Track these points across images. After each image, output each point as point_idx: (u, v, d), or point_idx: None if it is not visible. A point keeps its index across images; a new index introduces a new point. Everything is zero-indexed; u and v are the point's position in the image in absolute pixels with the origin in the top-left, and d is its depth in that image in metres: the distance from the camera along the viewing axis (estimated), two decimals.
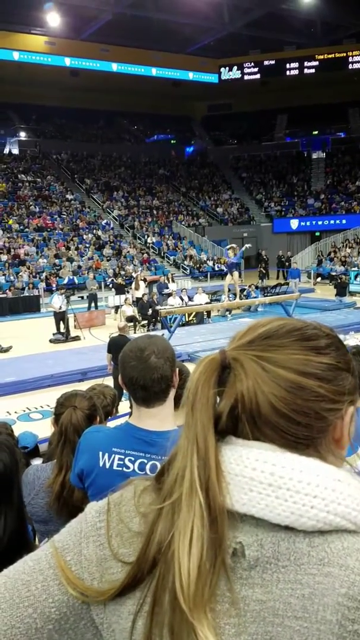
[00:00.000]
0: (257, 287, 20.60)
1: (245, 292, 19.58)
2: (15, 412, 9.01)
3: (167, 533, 0.66)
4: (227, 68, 35.42)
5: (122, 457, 1.57)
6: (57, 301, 14.99)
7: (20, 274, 21.91)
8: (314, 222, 31.98)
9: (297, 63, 34.28)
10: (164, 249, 28.05)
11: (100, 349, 10.96)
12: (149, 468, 1.54)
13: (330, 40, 32.77)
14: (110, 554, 0.70)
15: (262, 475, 0.64)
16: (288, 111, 38.20)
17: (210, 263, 27.11)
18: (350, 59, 33.33)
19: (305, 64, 34.13)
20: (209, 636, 0.60)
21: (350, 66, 33.38)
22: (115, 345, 8.55)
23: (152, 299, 17.04)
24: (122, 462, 1.57)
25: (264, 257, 25.84)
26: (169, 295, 18.09)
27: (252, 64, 35.05)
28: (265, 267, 25.01)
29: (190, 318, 16.41)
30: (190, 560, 0.62)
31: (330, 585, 0.61)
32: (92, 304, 18.59)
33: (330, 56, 33.57)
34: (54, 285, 20.75)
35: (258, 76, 35.27)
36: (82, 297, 20.46)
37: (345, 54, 33.36)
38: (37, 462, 2.92)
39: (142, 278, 19.02)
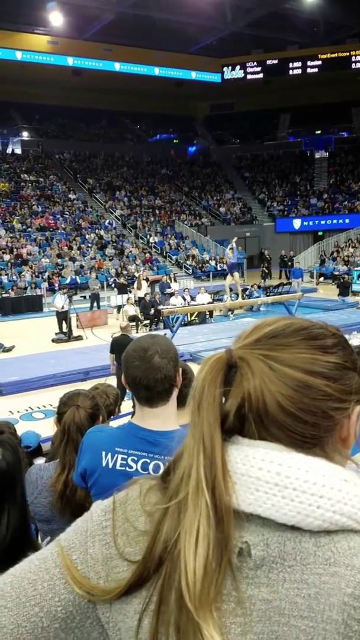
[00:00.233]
0: (259, 287, 20.58)
1: (247, 292, 19.59)
2: (18, 412, 9.02)
3: (173, 532, 0.66)
4: (230, 67, 35.40)
5: (125, 456, 1.58)
6: (60, 301, 15.00)
7: (22, 273, 21.95)
8: (316, 222, 31.94)
9: (300, 62, 34.24)
10: (167, 249, 28.05)
11: (102, 348, 10.97)
12: (152, 468, 1.54)
13: (333, 39, 32.72)
14: (116, 553, 0.70)
15: (268, 475, 0.64)
16: (291, 111, 38.16)
17: (213, 263, 27.10)
18: (353, 59, 33.28)
19: (308, 63, 34.08)
20: (214, 636, 0.60)
21: (353, 66, 33.33)
22: (118, 345, 8.55)
23: (154, 298, 17.05)
24: (125, 462, 1.57)
25: (267, 256, 25.82)
26: (171, 295, 18.09)
27: (255, 63, 35.02)
28: (268, 266, 25.00)
29: (193, 318, 16.41)
30: (197, 559, 0.62)
31: (337, 585, 0.61)
32: (95, 304, 18.60)
33: (333, 56, 33.51)
34: (56, 285, 20.76)
35: (261, 76, 35.24)
36: (84, 297, 20.47)
37: (348, 54, 33.30)
38: (40, 461, 2.93)
39: (145, 278, 19.04)
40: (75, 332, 15.03)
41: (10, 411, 9.02)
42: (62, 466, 2.02)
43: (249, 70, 35.24)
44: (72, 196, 30.73)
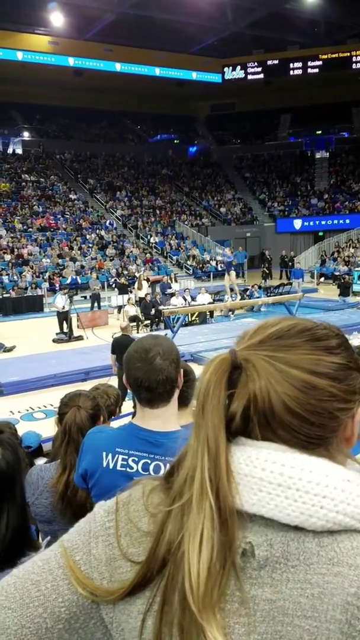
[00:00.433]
0: (260, 287, 20.58)
1: (248, 292, 19.60)
2: (19, 412, 9.02)
3: (176, 533, 0.66)
4: (231, 68, 35.40)
5: (126, 457, 1.58)
6: (60, 301, 15.00)
7: (23, 273, 21.96)
8: (317, 222, 31.94)
9: (300, 63, 34.24)
10: (167, 249, 28.06)
11: (103, 348, 10.97)
12: (152, 468, 1.54)
13: (333, 40, 32.72)
14: (120, 554, 0.71)
15: (271, 476, 0.64)
16: (291, 111, 38.16)
17: (213, 263, 27.11)
18: (353, 59, 33.28)
19: (309, 63, 34.09)
20: (217, 637, 0.60)
21: (353, 66, 33.34)
22: (119, 346, 8.55)
23: (155, 298, 17.06)
24: (125, 463, 1.57)
25: (268, 257, 25.82)
26: (172, 295, 18.10)
27: (256, 63, 35.03)
28: (269, 267, 24.99)
29: (193, 318, 16.41)
30: (200, 561, 0.63)
31: (340, 585, 0.61)
32: (95, 304, 18.62)
33: (333, 56, 33.52)
34: (57, 285, 20.78)
35: (262, 76, 35.25)
36: (85, 297, 20.48)
37: (348, 54, 33.31)
38: (41, 461, 2.93)
39: (145, 278, 19.05)
40: (76, 332, 15.04)
41: (11, 411, 9.02)
42: (63, 467, 2.02)
43: (249, 70, 35.25)
44: (72, 196, 30.75)
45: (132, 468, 1.56)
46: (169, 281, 20.26)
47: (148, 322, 16.11)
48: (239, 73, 35.45)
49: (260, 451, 0.67)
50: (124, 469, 1.57)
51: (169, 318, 13.15)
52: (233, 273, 16.02)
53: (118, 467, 1.58)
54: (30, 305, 20.03)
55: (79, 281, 22.31)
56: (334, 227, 30.88)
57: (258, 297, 17.98)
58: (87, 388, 2.69)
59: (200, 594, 0.62)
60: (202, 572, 0.62)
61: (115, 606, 0.70)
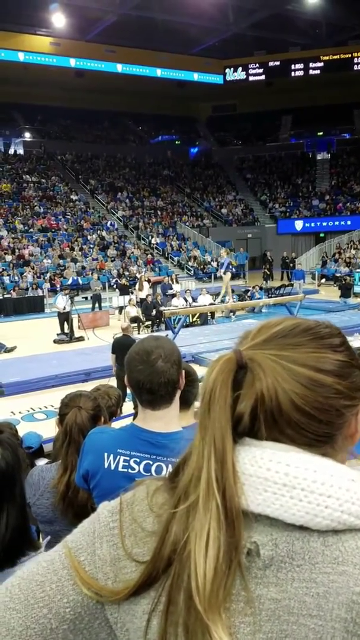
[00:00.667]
0: (261, 288, 20.58)
1: (249, 293, 19.60)
2: (20, 412, 9.03)
3: (182, 533, 0.66)
4: (232, 69, 35.43)
5: (128, 458, 1.58)
6: (61, 302, 15.01)
7: (24, 274, 21.98)
8: (318, 223, 31.94)
9: (302, 64, 34.25)
10: (168, 250, 28.07)
11: (104, 349, 10.97)
12: (154, 469, 1.54)
13: (335, 41, 32.73)
14: (124, 554, 0.71)
15: (276, 476, 0.65)
16: (293, 112, 38.17)
17: (215, 264, 27.11)
18: (355, 60, 33.28)
19: (310, 65, 34.10)
20: (223, 637, 0.61)
21: (355, 67, 33.33)
22: (120, 346, 8.55)
23: (156, 299, 17.06)
24: (127, 464, 1.57)
25: (269, 258, 25.81)
26: (173, 296, 18.10)
27: (257, 65, 35.05)
28: (270, 268, 25.00)
29: (194, 319, 16.41)
30: (207, 561, 0.63)
31: (345, 584, 0.61)
32: (96, 305, 18.63)
33: (335, 57, 33.53)
34: (58, 286, 20.79)
35: (263, 77, 35.26)
36: (86, 298, 20.50)
37: (350, 55, 33.31)
38: (42, 462, 2.93)
39: (146, 279, 19.06)
40: (77, 333, 15.04)
41: (12, 412, 9.02)
42: (64, 467, 2.02)
43: (251, 71, 35.27)
44: (74, 197, 30.77)
45: (133, 469, 1.56)
46: (170, 282, 20.26)
47: (149, 323, 16.11)
48: (240, 74, 35.48)
49: (265, 451, 0.67)
50: (125, 470, 1.57)
51: (170, 319, 13.16)
52: (228, 275, 15.95)
53: (120, 468, 1.58)
54: (31, 306, 20.04)
55: (80, 282, 22.32)
56: (335, 228, 30.88)
57: (259, 298, 17.99)
58: (88, 389, 2.69)
59: (206, 594, 0.62)
60: (209, 573, 0.62)
61: (120, 606, 0.70)
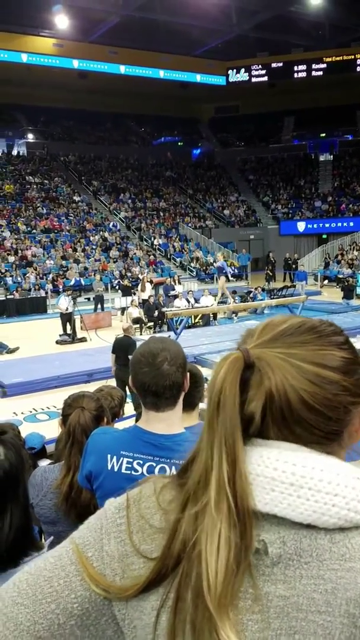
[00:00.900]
0: (263, 290, 20.57)
1: (251, 295, 19.59)
2: (22, 413, 9.03)
3: (191, 532, 0.67)
4: (235, 70, 35.43)
5: (131, 460, 1.58)
6: (64, 302, 15.02)
7: (27, 275, 22.00)
8: (321, 225, 31.90)
9: (304, 65, 34.23)
10: (171, 251, 28.08)
11: (106, 350, 10.97)
12: (157, 471, 1.54)
13: (338, 42, 32.70)
14: (132, 550, 0.71)
15: (283, 475, 0.65)
16: (295, 113, 38.16)
17: (216, 264, 27.11)
18: (358, 62, 33.23)
19: (313, 66, 34.08)
20: (230, 636, 0.61)
21: (358, 69, 33.28)
22: (120, 346, 8.56)
23: (158, 300, 17.06)
24: (130, 466, 1.57)
25: (271, 259, 25.79)
26: (175, 297, 18.10)
27: (260, 66, 35.04)
28: (272, 269, 24.97)
29: (197, 320, 16.41)
30: (218, 562, 0.63)
31: (353, 580, 0.62)
32: (99, 306, 18.64)
33: (338, 59, 33.50)
34: (60, 287, 20.81)
35: (265, 78, 35.26)
36: (88, 299, 20.51)
37: (353, 57, 33.29)
38: (44, 463, 2.93)
39: (149, 280, 19.06)
40: (80, 334, 15.05)
41: (15, 412, 9.03)
42: (67, 468, 2.02)
43: (253, 73, 35.26)
44: (76, 198, 30.81)
45: (137, 471, 1.56)
46: (172, 283, 20.26)
47: (151, 324, 16.11)
48: (243, 75, 35.48)
49: (272, 451, 0.67)
50: (128, 471, 1.57)
51: (172, 320, 13.16)
52: (223, 278, 15.88)
53: (123, 470, 1.58)
54: (34, 307, 20.06)
55: (83, 283, 22.34)
56: (338, 229, 30.84)
57: (261, 300, 17.98)
58: (90, 389, 2.70)
59: (217, 594, 0.62)
60: (220, 573, 0.63)
61: (128, 603, 0.70)
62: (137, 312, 16.33)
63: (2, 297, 20.39)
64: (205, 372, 2.52)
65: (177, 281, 20.81)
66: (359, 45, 32.72)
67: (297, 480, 0.65)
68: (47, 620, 0.69)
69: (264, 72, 35.09)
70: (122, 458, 1.59)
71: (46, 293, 21.05)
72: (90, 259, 24.78)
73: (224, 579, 0.63)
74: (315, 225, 32.03)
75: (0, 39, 27.95)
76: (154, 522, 0.72)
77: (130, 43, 30.89)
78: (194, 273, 26.19)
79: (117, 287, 21.36)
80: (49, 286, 21.51)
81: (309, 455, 0.67)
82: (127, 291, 18.95)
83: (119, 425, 2.59)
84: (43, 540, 2.20)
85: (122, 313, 17.74)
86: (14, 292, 20.54)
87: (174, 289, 19.38)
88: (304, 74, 34.44)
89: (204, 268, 26.63)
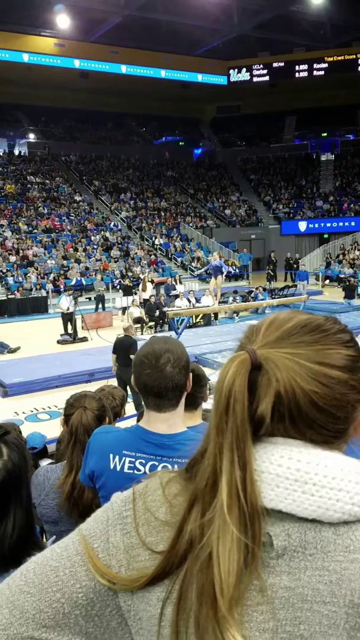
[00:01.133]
0: (264, 289, 20.56)
1: (252, 294, 19.58)
2: (23, 413, 9.04)
3: (198, 530, 0.67)
4: (236, 70, 35.39)
5: (133, 459, 1.58)
6: (65, 302, 15.04)
7: (28, 275, 22.01)
8: (322, 224, 31.88)
9: (306, 65, 34.17)
10: (172, 251, 28.08)
11: (107, 350, 10.97)
12: None
13: (339, 42, 32.65)
14: (138, 542, 0.72)
15: (288, 472, 0.66)
16: (297, 113, 38.14)
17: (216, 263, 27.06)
18: (359, 61, 33.21)
19: (315, 66, 34.02)
20: (236, 636, 0.62)
21: (359, 68, 33.26)
22: (121, 346, 8.57)
23: (159, 300, 17.06)
24: (132, 465, 1.58)
25: (273, 259, 25.79)
26: (176, 296, 18.10)
27: (261, 66, 35.00)
28: (273, 269, 24.96)
29: (198, 320, 16.40)
30: (230, 565, 0.64)
31: (357, 571, 0.64)
32: (100, 305, 18.65)
33: (339, 58, 33.45)
34: (61, 287, 20.81)
35: (267, 78, 35.21)
36: (89, 299, 20.52)
37: (354, 56, 33.22)
38: (45, 462, 2.93)
39: (150, 279, 19.06)
40: (81, 334, 15.06)
41: (16, 412, 9.04)
42: (69, 467, 2.03)
43: (255, 72, 35.21)
44: (77, 198, 30.81)
45: (139, 470, 1.56)
46: (174, 283, 20.26)
47: (152, 323, 16.11)
48: (244, 75, 35.44)
49: (276, 447, 0.68)
50: (131, 471, 1.57)
51: (174, 320, 13.16)
52: (220, 278, 15.77)
53: (125, 470, 1.58)
54: (35, 307, 20.08)
55: (84, 282, 22.35)
56: (339, 229, 30.82)
57: (263, 299, 17.97)
58: (91, 389, 2.70)
59: (229, 596, 0.63)
60: (232, 576, 0.63)
61: (133, 594, 0.71)
62: (138, 311, 16.33)
63: (3, 297, 20.41)
64: (207, 372, 2.51)
65: (178, 281, 20.81)
66: None
67: (301, 477, 0.65)
68: (53, 609, 0.70)
69: (265, 71, 35.05)
70: (124, 458, 1.59)
71: (47, 293, 21.06)
72: (91, 259, 24.78)
73: (235, 580, 0.63)
74: (316, 225, 32.01)
75: (2, 38, 27.93)
76: (159, 515, 0.73)
77: (132, 43, 30.87)
78: (195, 273, 26.19)
79: (118, 287, 21.36)
80: (50, 286, 21.51)
81: (313, 452, 0.67)
82: (128, 291, 18.96)
83: (121, 425, 2.60)
84: (45, 539, 2.20)
85: (123, 313, 17.75)
86: (15, 291, 20.55)
87: (175, 289, 19.39)
88: (305, 74, 34.39)
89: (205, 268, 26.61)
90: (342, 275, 24.39)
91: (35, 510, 1.98)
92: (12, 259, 23.43)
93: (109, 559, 0.72)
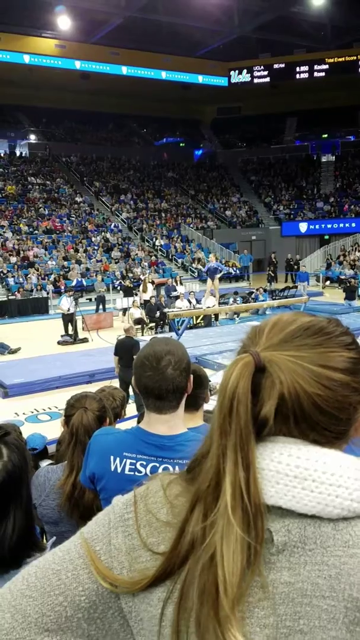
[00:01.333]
0: (265, 290, 20.56)
1: (253, 295, 19.59)
2: (24, 414, 9.04)
3: (200, 531, 0.68)
4: (237, 71, 35.42)
5: (134, 461, 1.58)
6: (66, 303, 15.05)
7: (29, 275, 22.02)
8: (323, 226, 31.89)
9: (307, 66, 34.20)
10: (172, 252, 28.08)
11: (108, 351, 10.98)
12: (161, 471, 1.53)
13: (340, 43, 32.68)
14: (140, 543, 0.72)
15: (287, 468, 0.67)
16: (298, 114, 38.17)
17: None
18: None
19: (315, 67, 34.05)
20: (237, 635, 0.62)
21: None
22: (123, 347, 8.56)
23: (160, 301, 17.06)
24: (133, 467, 1.57)
25: (273, 260, 25.80)
26: (177, 297, 18.10)
27: (262, 67, 35.03)
28: (274, 270, 24.96)
29: (198, 321, 16.41)
30: (234, 565, 0.64)
31: (356, 566, 0.64)
32: (100, 306, 18.65)
33: (340, 60, 33.47)
34: (62, 288, 20.82)
35: (268, 79, 35.23)
36: (90, 299, 20.52)
37: (355, 58, 33.23)
38: (45, 463, 2.93)
39: (150, 280, 19.07)
40: (81, 335, 15.06)
41: (16, 413, 9.04)
42: (70, 468, 2.02)
43: (256, 74, 35.24)
44: (78, 199, 30.83)
45: (140, 472, 1.56)
46: (174, 284, 20.26)
47: (153, 324, 16.11)
48: (245, 77, 35.46)
49: (276, 445, 0.69)
50: (132, 472, 1.57)
51: (174, 321, 13.16)
52: (216, 280, 15.74)
53: (126, 471, 1.58)
54: (36, 307, 20.09)
55: (84, 283, 22.34)
56: (340, 230, 30.83)
57: (263, 300, 17.98)
58: (92, 390, 2.70)
59: (233, 597, 0.63)
60: (236, 576, 0.64)
61: (135, 595, 0.71)
62: (138, 312, 16.33)
63: (4, 298, 20.43)
64: (207, 372, 2.51)
65: (178, 282, 20.82)
66: None
67: (301, 473, 0.66)
68: (55, 612, 0.70)
69: (266, 73, 35.08)
70: (125, 459, 1.59)
71: (48, 294, 21.06)
72: (92, 260, 24.78)
73: (239, 580, 0.64)
74: (317, 226, 32.02)
75: (3, 40, 27.98)
76: (161, 515, 0.73)
77: (132, 44, 30.90)
78: (196, 274, 26.18)
79: (118, 288, 21.36)
80: (51, 287, 21.52)
81: (312, 449, 0.68)
82: (128, 292, 18.96)
83: (121, 426, 2.59)
84: (45, 540, 2.20)
85: (124, 314, 17.75)
86: (16, 292, 20.57)
87: (175, 290, 19.39)
88: (306, 75, 34.41)
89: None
90: (342, 277, 24.39)
91: (35, 511, 1.98)
92: (13, 259, 23.44)
93: (111, 561, 0.72)
